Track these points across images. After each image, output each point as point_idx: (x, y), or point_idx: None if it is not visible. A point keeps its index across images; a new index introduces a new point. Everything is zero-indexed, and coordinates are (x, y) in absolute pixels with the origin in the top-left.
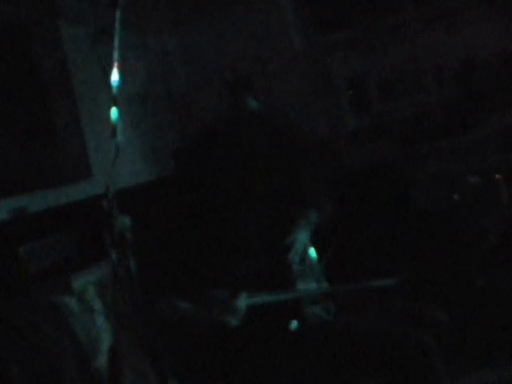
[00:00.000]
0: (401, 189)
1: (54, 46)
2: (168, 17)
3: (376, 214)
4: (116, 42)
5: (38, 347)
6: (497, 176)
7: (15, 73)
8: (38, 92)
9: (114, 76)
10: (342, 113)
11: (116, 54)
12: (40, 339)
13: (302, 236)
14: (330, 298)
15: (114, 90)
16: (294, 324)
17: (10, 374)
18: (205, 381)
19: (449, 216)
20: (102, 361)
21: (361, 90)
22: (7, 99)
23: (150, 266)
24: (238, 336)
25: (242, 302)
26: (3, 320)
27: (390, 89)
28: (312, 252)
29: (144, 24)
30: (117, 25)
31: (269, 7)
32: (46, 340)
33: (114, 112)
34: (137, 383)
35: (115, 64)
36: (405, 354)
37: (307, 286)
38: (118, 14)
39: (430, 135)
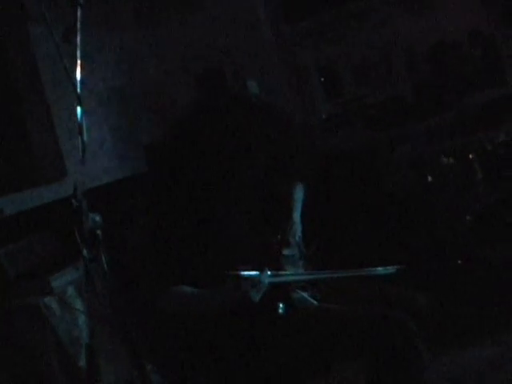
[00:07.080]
0: (374, 173)
1: (24, 48)
2: (136, 12)
3: (350, 199)
4: (78, 41)
5: (22, 350)
6: (470, 156)
7: None
8: (9, 94)
9: (78, 74)
10: (315, 100)
11: (79, 53)
12: (23, 341)
13: (298, 217)
14: (316, 284)
15: (78, 89)
16: (282, 307)
17: None
18: (194, 365)
19: (424, 198)
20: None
21: (332, 76)
22: None
23: (130, 260)
24: (227, 319)
25: (266, 278)
26: None
27: (361, 74)
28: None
29: (112, 21)
30: (78, 23)
31: None
32: (29, 342)
33: (78, 111)
34: (117, 376)
35: (78, 62)
36: (388, 337)
37: (296, 271)
38: (79, 13)
39: (402, 118)
